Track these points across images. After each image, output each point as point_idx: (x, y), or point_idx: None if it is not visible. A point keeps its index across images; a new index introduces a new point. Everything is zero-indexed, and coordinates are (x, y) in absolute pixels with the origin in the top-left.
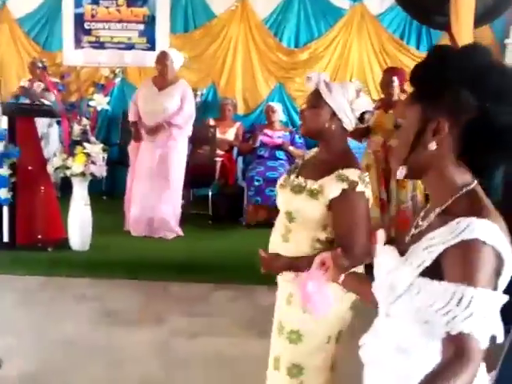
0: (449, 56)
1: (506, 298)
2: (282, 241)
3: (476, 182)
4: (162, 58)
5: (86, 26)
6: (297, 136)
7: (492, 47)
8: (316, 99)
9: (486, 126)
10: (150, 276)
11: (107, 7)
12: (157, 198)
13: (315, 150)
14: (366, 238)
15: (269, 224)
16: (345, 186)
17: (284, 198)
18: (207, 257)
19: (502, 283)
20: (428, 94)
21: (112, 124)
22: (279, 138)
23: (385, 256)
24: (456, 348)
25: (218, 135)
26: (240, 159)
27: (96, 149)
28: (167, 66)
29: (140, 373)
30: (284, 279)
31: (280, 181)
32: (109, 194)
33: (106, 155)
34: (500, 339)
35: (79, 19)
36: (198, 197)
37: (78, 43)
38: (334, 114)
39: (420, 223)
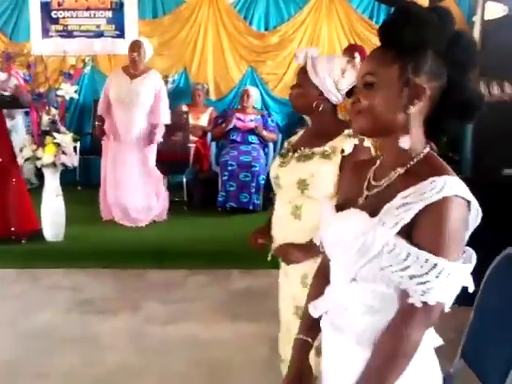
0: (427, 16)
1: (473, 257)
2: (294, 218)
3: (429, 147)
4: (136, 46)
5: (53, 14)
6: (269, 119)
7: (459, 24)
8: (302, 78)
9: (455, 94)
10: (125, 264)
11: None
12: (138, 186)
13: (300, 133)
14: None
15: (245, 210)
16: (356, 141)
17: (290, 171)
18: (183, 243)
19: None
20: (409, 54)
21: (84, 113)
22: (251, 121)
23: (348, 220)
24: (426, 313)
25: (191, 121)
26: (213, 144)
27: (66, 138)
28: (141, 55)
29: (116, 360)
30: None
31: (276, 163)
32: (83, 184)
33: (77, 145)
34: (471, 289)
35: (46, 8)
36: (172, 183)
37: (45, 32)
38: (320, 93)
39: (373, 183)
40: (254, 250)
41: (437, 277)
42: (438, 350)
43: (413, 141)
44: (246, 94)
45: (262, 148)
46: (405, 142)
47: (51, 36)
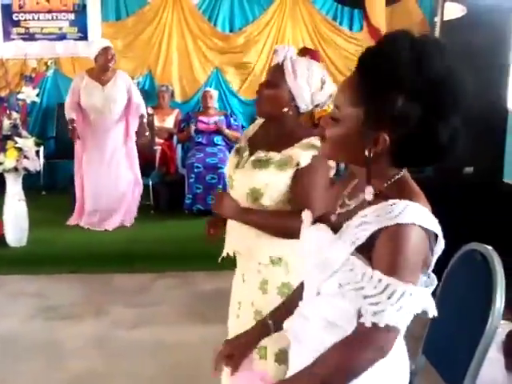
0: (407, 59)
1: (434, 283)
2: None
3: (405, 170)
4: (108, 53)
5: (14, 17)
6: (232, 119)
7: (421, 25)
8: (278, 77)
9: (425, 140)
10: (91, 269)
11: None
12: (115, 188)
13: (257, 122)
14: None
15: (212, 212)
16: (314, 152)
17: (245, 177)
18: (150, 246)
19: (435, 258)
20: (373, 99)
21: (47, 117)
22: (215, 123)
23: (315, 234)
24: (378, 335)
25: (157, 123)
26: (179, 147)
27: (28, 143)
28: (112, 62)
29: (81, 366)
30: (254, 267)
31: (230, 163)
32: (47, 188)
33: (40, 149)
34: (432, 314)
35: (7, 11)
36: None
37: (6, 35)
38: (292, 98)
39: (347, 202)
40: (209, 241)
41: (389, 298)
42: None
43: (379, 171)
44: (209, 96)
45: (227, 149)
46: (368, 194)
47: (12, 39)
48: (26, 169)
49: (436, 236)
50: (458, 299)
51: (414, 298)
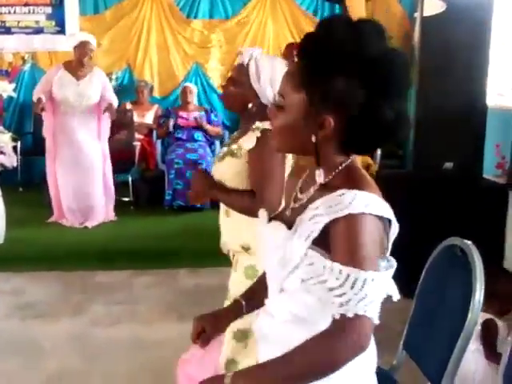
0: (343, 40)
1: (394, 265)
2: (226, 216)
3: (353, 157)
4: (86, 48)
5: None
6: (212, 114)
7: (401, 21)
8: (242, 75)
9: (371, 120)
10: (69, 266)
11: None
12: (89, 185)
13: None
14: (277, 186)
15: (192, 208)
16: (258, 134)
17: (214, 171)
18: (129, 243)
19: (390, 242)
20: (315, 82)
21: (24, 112)
22: (195, 118)
23: (270, 231)
24: (349, 327)
25: (136, 119)
26: (159, 142)
27: (4, 138)
28: (89, 56)
29: (58, 364)
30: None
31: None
32: (25, 185)
33: (17, 145)
34: (395, 298)
35: None
36: (118, 183)
37: None
38: (256, 96)
39: (299, 196)
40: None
41: (352, 287)
42: (384, 342)
43: (327, 159)
44: (188, 91)
45: (208, 145)
46: (319, 175)
47: None
48: (2, 165)
49: (389, 220)
50: (438, 294)
51: (376, 284)
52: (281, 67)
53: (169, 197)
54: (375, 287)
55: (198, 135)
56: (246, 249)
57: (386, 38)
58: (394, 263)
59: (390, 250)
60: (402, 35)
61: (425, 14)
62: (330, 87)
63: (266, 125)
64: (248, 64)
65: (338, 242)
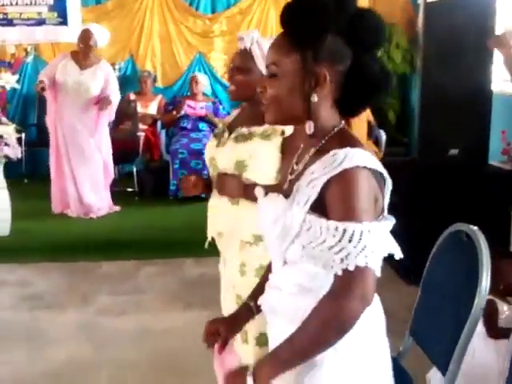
0: (321, 1)
1: (392, 220)
2: (232, 204)
3: (343, 121)
4: (85, 36)
5: None
6: (220, 107)
7: (405, 7)
8: (247, 62)
9: (360, 74)
10: (75, 257)
11: None
12: (91, 177)
13: (234, 114)
14: None
15: (197, 197)
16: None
17: (228, 152)
18: (134, 233)
19: (386, 202)
20: (307, 42)
21: (28, 104)
22: (202, 108)
23: (269, 205)
24: (354, 280)
25: (140, 109)
26: (163, 132)
27: (9, 130)
28: (90, 46)
29: (65, 354)
30: (235, 247)
31: (211, 143)
32: (30, 176)
33: (22, 136)
34: (398, 256)
35: None
36: (122, 173)
37: None
38: None
39: (295, 168)
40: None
41: (350, 241)
42: (390, 329)
43: (321, 124)
44: (195, 81)
45: None
46: (309, 127)
47: None
48: (6, 156)
49: (382, 176)
50: (444, 280)
51: (374, 234)
52: None
53: (173, 187)
54: (373, 237)
55: (203, 125)
56: (259, 238)
57: None
58: (392, 219)
59: (386, 208)
60: (406, 21)
61: (428, 0)
62: (320, 45)
63: None
64: (251, 48)
65: (333, 199)
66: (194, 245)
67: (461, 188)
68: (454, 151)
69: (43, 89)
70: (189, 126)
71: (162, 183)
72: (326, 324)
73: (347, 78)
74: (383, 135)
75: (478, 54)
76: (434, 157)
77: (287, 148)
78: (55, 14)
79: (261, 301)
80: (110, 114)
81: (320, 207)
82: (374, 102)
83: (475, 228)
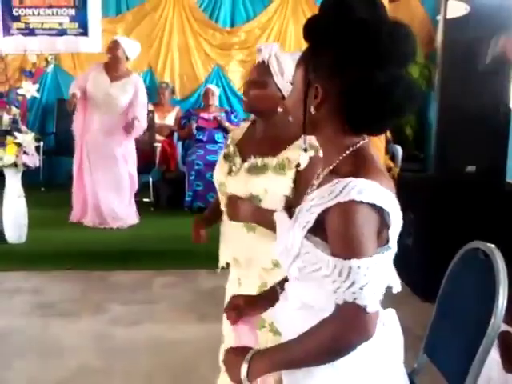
0: (328, 14)
1: (392, 251)
2: (247, 231)
3: (364, 141)
4: (113, 47)
5: (14, 12)
6: (232, 115)
7: (424, 24)
8: (264, 75)
9: (364, 87)
10: (89, 266)
11: None
12: (116, 188)
13: (243, 126)
14: None
15: None
16: (311, 153)
17: (240, 184)
18: (149, 244)
19: (393, 234)
20: (309, 55)
21: (47, 113)
22: (214, 117)
23: (281, 221)
24: (342, 316)
25: (158, 121)
26: (180, 144)
27: (28, 138)
28: (118, 57)
29: (78, 363)
30: (255, 273)
31: (221, 169)
32: (47, 185)
33: (40, 144)
34: (396, 289)
35: (7, 5)
36: (139, 184)
37: (6, 30)
38: (282, 97)
39: (314, 183)
40: (198, 243)
41: (339, 275)
42: (405, 345)
43: (330, 141)
44: (211, 93)
45: None
46: (303, 141)
47: (12, 34)
48: (25, 164)
49: (386, 210)
50: (460, 298)
51: (364, 271)
52: None
53: (189, 198)
54: (362, 274)
55: (219, 136)
56: (277, 265)
57: (377, 5)
58: (392, 250)
59: (394, 240)
60: (424, 36)
61: (448, 17)
62: (319, 59)
63: (315, 141)
64: (268, 61)
65: (329, 230)
66: (209, 256)
67: (478, 205)
68: (471, 168)
69: (75, 106)
70: (204, 138)
71: (177, 194)
72: (322, 345)
73: (347, 93)
74: (400, 151)
75: (497, 71)
76: (451, 173)
77: (304, 178)
78: (76, 25)
79: (271, 309)
80: (137, 129)
81: (320, 232)
82: (389, 117)
83: (492, 246)
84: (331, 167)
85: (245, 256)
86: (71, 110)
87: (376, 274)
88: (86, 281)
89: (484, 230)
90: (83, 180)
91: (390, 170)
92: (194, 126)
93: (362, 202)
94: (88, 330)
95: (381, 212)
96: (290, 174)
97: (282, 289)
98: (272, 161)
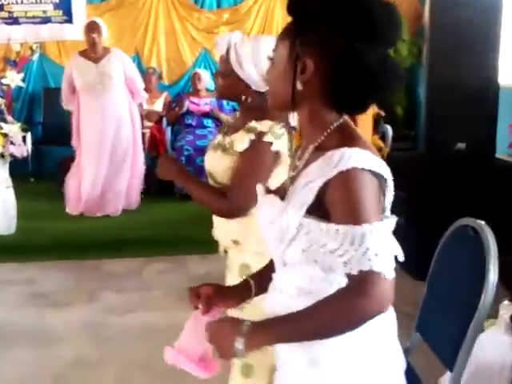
0: None
1: (394, 219)
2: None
3: (345, 116)
4: (94, 27)
5: None
6: (224, 102)
7: (411, 2)
8: (226, 66)
9: (353, 65)
10: (81, 255)
11: None
12: (116, 172)
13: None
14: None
15: None
16: (252, 136)
17: (206, 158)
18: (140, 230)
19: (388, 201)
20: (296, 29)
21: (34, 102)
22: (206, 104)
23: (265, 206)
24: (359, 285)
25: (145, 106)
26: (169, 129)
27: (14, 128)
28: (101, 36)
29: (73, 352)
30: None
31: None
32: (36, 175)
33: (28, 135)
34: (401, 258)
35: None
36: None
37: None
38: (246, 85)
39: (297, 163)
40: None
41: (351, 244)
42: (398, 325)
43: (315, 117)
44: (197, 77)
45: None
46: (292, 118)
47: None
48: (12, 155)
49: (381, 177)
50: (451, 275)
51: (376, 235)
52: (266, 46)
53: (179, 184)
54: (376, 239)
55: (208, 121)
56: (237, 243)
57: None
58: (393, 217)
59: (388, 209)
60: (411, 14)
61: None
62: (308, 34)
63: (263, 126)
64: (228, 52)
65: (332, 202)
66: (200, 241)
67: (468, 182)
68: (461, 145)
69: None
70: (194, 123)
71: (167, 180)
72: (339, 317)
73: (337, 67)
74: (390, 130)
75: (485, 48)
76: (441, 151)
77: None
78: (60, 12)
79: (264, 303)
80: (140, 99)
81: (319, 209)
82: (374, 97)
83: (482, 222)
84: (316, 144)
85: (215, 233)
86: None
87: (387, 240)
88: (78, 270)
89: (475, 206)
90: (83, 169)
91: (380, 149)
92: (187, 103)
93: (363, 168)
94: (82, 320)
95: (379, 179)
96: (234, 155)
97: (256, 282)
98: (227, 139)
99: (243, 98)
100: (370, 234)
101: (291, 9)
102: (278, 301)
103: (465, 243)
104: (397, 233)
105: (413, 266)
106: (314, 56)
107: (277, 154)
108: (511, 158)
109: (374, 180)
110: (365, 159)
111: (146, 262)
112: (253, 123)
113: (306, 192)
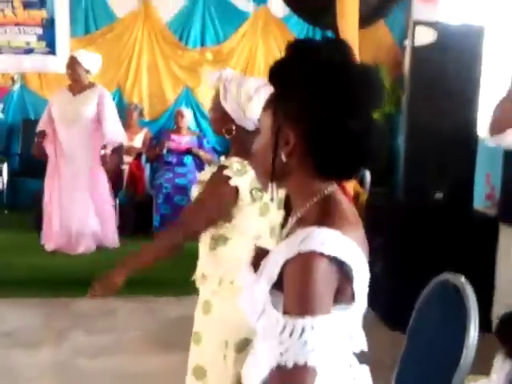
0: (299, 55)
1: (360, 307)
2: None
3: (332, 188)
4: (71, 63)
5: None
6: (205, 141)
7: (392, 50)
8: (214, 102)
9: (334, 132)
10: (51, 293)
11: (2, 10)
12: (86, 210)
13: None
14: (203, 218)
15: None
16: (214, 169)
17: (192, 193)
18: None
19: (358, 288)
20: (277, 97)
21: (12, 133)
22: (186, 142)
23: (246, 274)
24: (290, 378)
25: (125, 142)
26: (148, 166)
27: None
28: (77, 73)
29: None
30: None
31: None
32: (11, 207)
33: (4, 166)
34: (364, 348)
35: None
36: None
37: None
38: (233, 120)
39: (283, 232)
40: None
41: (290, 335)
42: (375, 376)
43: (299, 188)
44: (180, 115)
45: (198, 170)
46: (271, 189)
47: None
48: None
49: (347, 263)
50: (432, 330)
51: (318, 330)
52: (247, 85)
53: (156, 222)
54: (316, 333)
55: (188, 159)
56: (205, 278)
57: (347, 53)
58: (357, 305)
59: (357, 296)
60: (391, 61)
61: (416, 44)
62: (288, 104)
63: (228, 160)
64: (218, 88)
65: (285, 285)
66: (174, 283)
67: (446, 232)
68: (439, 195)
69: (38, 151)
70: (174, 161)
71: (144, 218)
72: None
73: (317, 137)
74: (368, 175)
75: (464, 98)
76: (419, 199)
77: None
78: (43, 44)
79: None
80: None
81: (282, 285)
82: (359, 162)
83: (463, 279)
84: (299, 215)
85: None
86: (37, 152)
87: (331, 334)
88: (47, 308)
89: (452, 256)
90: (52, 203)
91: (358, 195)
92: (167, 144)
93: (322, 254)
94: (49, 361)
95: (342, 266)
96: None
97: None
98: (202, 177)
99: (224, 130)
100: (311, 327)
101: (271, 77)
102: (254, 368)
103: (445, 299)
104: (374, 281)
105: (390, 316)
106: (295, 125)
107: (236, 190)
108: (488, 209)
109: (332, 268)
110: (329, 242)
111: (119, 302)
112: (221, 158)
113: (273, 268)
